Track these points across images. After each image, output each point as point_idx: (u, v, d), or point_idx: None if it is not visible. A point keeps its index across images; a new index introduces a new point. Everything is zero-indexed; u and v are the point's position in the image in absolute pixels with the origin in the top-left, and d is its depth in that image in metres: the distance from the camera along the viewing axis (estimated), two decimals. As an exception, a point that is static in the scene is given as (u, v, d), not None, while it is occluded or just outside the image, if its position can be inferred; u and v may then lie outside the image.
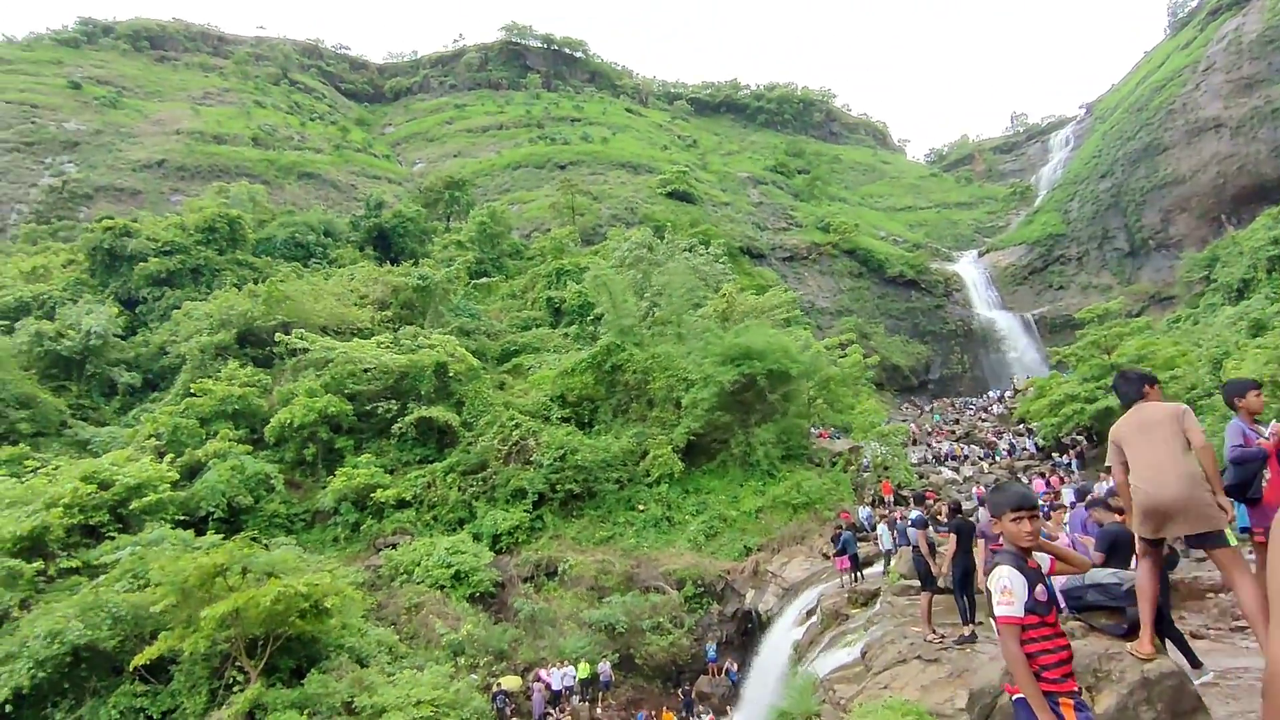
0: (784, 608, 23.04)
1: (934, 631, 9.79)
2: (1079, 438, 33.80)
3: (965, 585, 9.45)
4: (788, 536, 27.05)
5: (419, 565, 24.85)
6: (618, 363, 31.64)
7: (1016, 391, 53.11)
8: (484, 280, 43.57)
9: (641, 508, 28.46)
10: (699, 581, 25.52)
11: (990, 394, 60.05)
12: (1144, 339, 36.03)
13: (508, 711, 20.49)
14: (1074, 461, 32.10)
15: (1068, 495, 18.91)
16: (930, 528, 10.36)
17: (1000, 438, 40.86)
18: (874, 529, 24.10)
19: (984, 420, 49.48)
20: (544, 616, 23.85)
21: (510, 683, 21.16)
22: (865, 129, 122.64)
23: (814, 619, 17.08)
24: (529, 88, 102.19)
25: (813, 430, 36.72)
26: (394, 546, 26.24)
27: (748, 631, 24.65)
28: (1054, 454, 34.28)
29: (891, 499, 27.72)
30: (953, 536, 9.45)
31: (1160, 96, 69.98)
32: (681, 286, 36.19)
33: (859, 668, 10.00)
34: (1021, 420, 42.67)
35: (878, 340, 63.00)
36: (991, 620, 5.12)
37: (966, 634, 9.40)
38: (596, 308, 37.04)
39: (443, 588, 24.24)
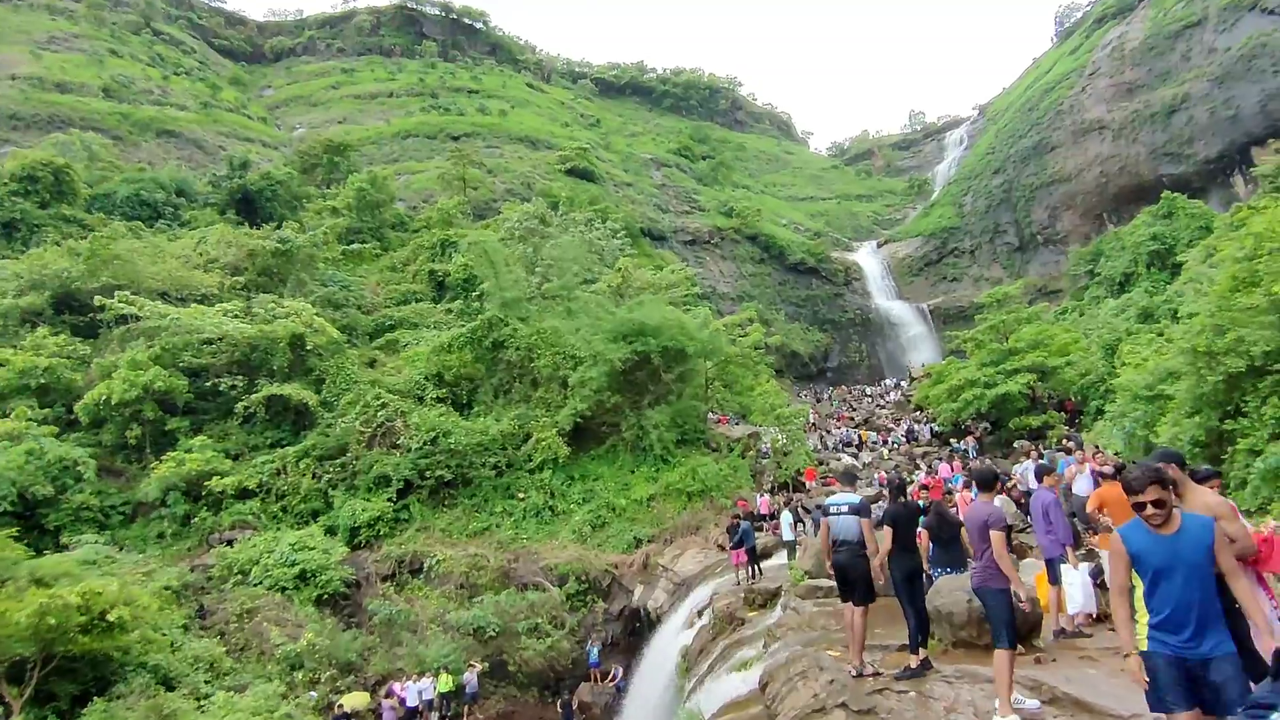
0: (675, 605, 20.90)
1: (863, 665, 7.30)
2: (978, 423, 33.31)
3: (913, 593, 7.12)
4: (681, 526, 25.00)
5: (257, 564, 21.36)
6: (500, 338, 28.74)
7: (913, 379, 53.29)
8: (355, 247, 39.46)
9: (521, 496, 25.77)
10: (583, 577, 23.10)
11: (887, 382, 60.37)
12: (1040, 326, 36.07)
13: (351, 735, 17.49)
14: (972, 447, 31.51)
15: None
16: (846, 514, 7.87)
17: (898, 424, 40.34)
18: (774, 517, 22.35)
19: (882, 407, 49.26)
20: (403, 620, 20.87)
21: (355, 700, 18.10)
22: (770, 119, 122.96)
23: (705, 620, 14.92)
24: (424, 56, 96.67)
25: (711, 415, 34.93)
26: (230, 543, 22.58)
27: (635, 631, 22.41)
28: (952, 440, 33.71)
29: (813, 485, 26.32)
30: (888, 530, 7.20)
31: (1049, 98, 72.23)
32: (573, 260, 33.56)
33: (756, 708, 7.69)
34: (919, 407, 42.40)
35: (778, 327, 62.10)
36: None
37: (914, 666, 6.82)
38: (483, 281, 33.92)
39: (285, 589, 20.87)
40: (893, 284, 72.18)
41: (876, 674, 7.17)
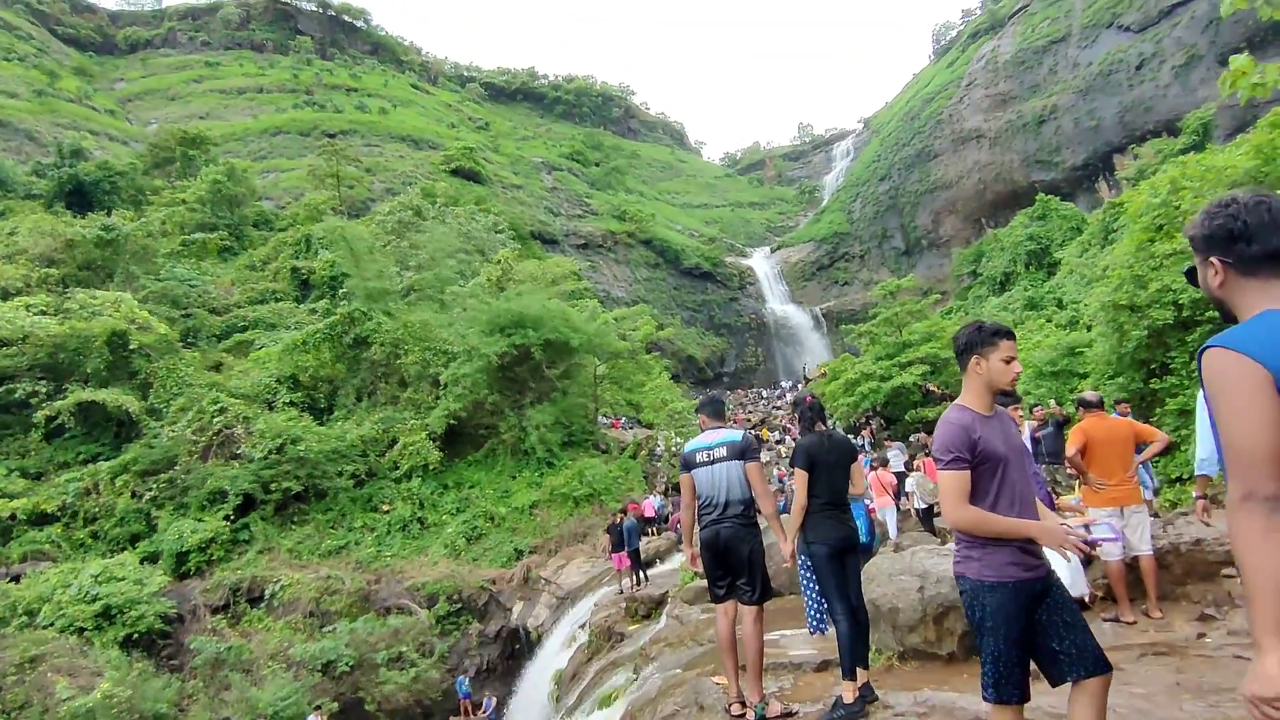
0: (557, 621, 18.63)
1: (763, 699, 4.83)
2: (872, 418, 32.61)
3: (844, 581, 4.77)
4: (567, 535, 22.73)
5: (49, 601, 17.61)
6: (363, 334, 25.72)
7: (807, 380, 53.00)
8: (198, 236, 35.21)
9: (386, 508, 22.85)
10: (455, 596, 20.42)
11: (783, 384, 60.10)
12: (932, 320, 35.99)
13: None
14: (867, 441, 30.71)
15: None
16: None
17: (795, 423, 39.51)
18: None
19: (778, 409, 48.61)
20: (234, 659, 17.61)
21: (163, 763, 14.85)
22: (664, 128, 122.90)
23: (583, 638, 12.72)
24: (299, 53, 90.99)
25: (604, 419, 32.90)
26: (17, 579, 18.67)
27: (515, 653, 19.94)
28: (849, 436, 32.88)
29: None
30: (802, 476, 4.93)
31: (930, 108, 74.59)
32: (448, 253, 30.86)
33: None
34: (814, 405, 41.68)
35: (674, 331, 60.99)
36: None
37: (849, 699, 4.44)
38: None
39: (83, 631, 17.22)
40: (786, 288, 72.44)
41: (788, 715, 4.85)
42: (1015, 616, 2.86)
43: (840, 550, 4.86)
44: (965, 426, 2.95)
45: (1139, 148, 52.35)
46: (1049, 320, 26.94)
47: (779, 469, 25.26)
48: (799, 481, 5.02)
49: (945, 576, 5.48)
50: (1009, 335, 3.03)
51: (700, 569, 5.28)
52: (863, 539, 6.62)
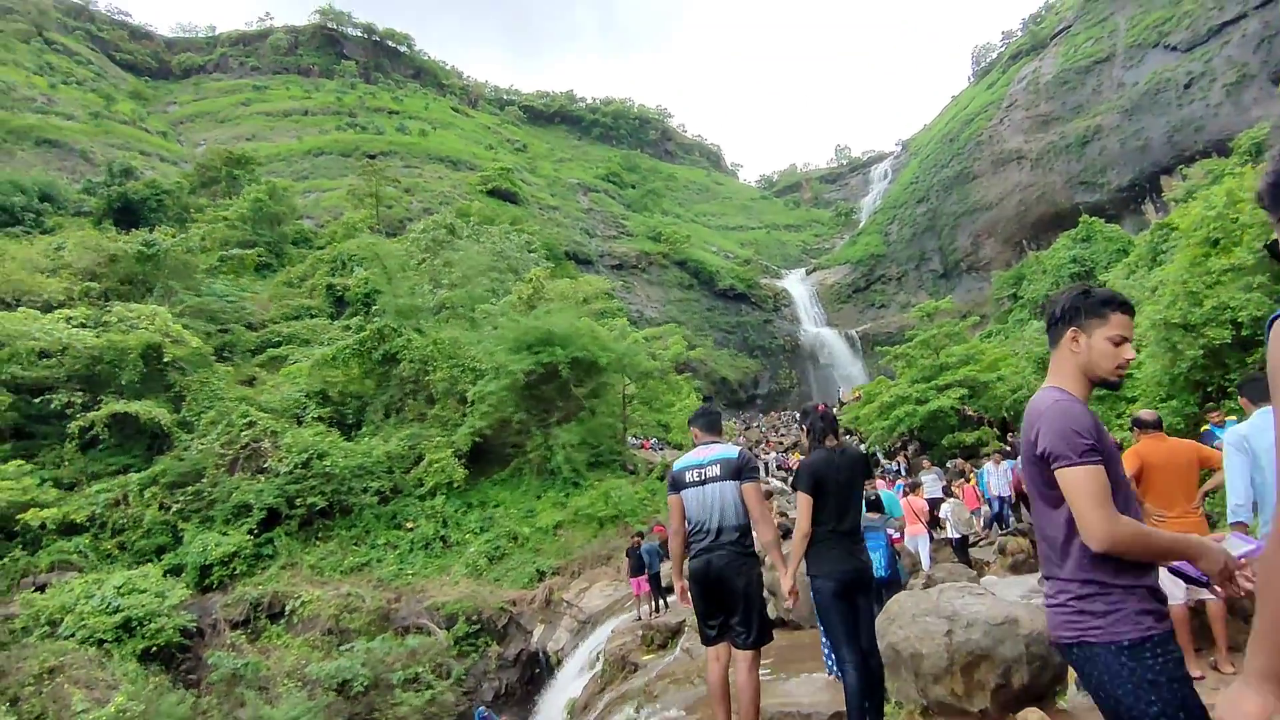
0: (576, 646, 18.17)
1: None
2: (909, 442, 31.72)
3: (855, 623, 4.25)
4: (591, 556, 22.25)
5: (71, 612, 17.66)
6: (392, 350, 25.73)
7: (842, 404, 52.00)
8: (235, 252, 35.82)
9: (410, 525, 22.65)
10: (475, 617, 20.06)
11: (817, 407, 59.07)
12: (970, 343, 35.06)
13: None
14: (902, 466, 29.84)
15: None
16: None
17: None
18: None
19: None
20: (250, 675, 17.43)
21: (173, 780, 14.67)
22: (700, 150, 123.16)
23: (598, 666, 12.26)
24: (344, 76, 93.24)
25: (633, 440, 32.51)
26: (43, 588, 18.79)
27: (534, 678, 19.49)
28: (883, 459, 32.00)
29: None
30: (805, 500, 4.38)
31: (970, 129, 73.63)
32: (481, 271, 30.89)
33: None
34: (849, 429, 40.82)
35: (707, 353, 60.52)
36: None
37: None
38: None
39: (102, 643, 17.20)
40: (821, 311, 71.59)
41: None
42: (1176, 679, 2.03)
43: (849, 586, 4.22)
44: (1087, 411, 2.22)
45: (1188, 168, 50.85)
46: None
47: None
48: (802, 505, 4.42)
49: (977, 619, 4.82)
50: (1125, 308, 2.29)
51: (690, 603, 4.64)
52: (879, 572, 6.01)
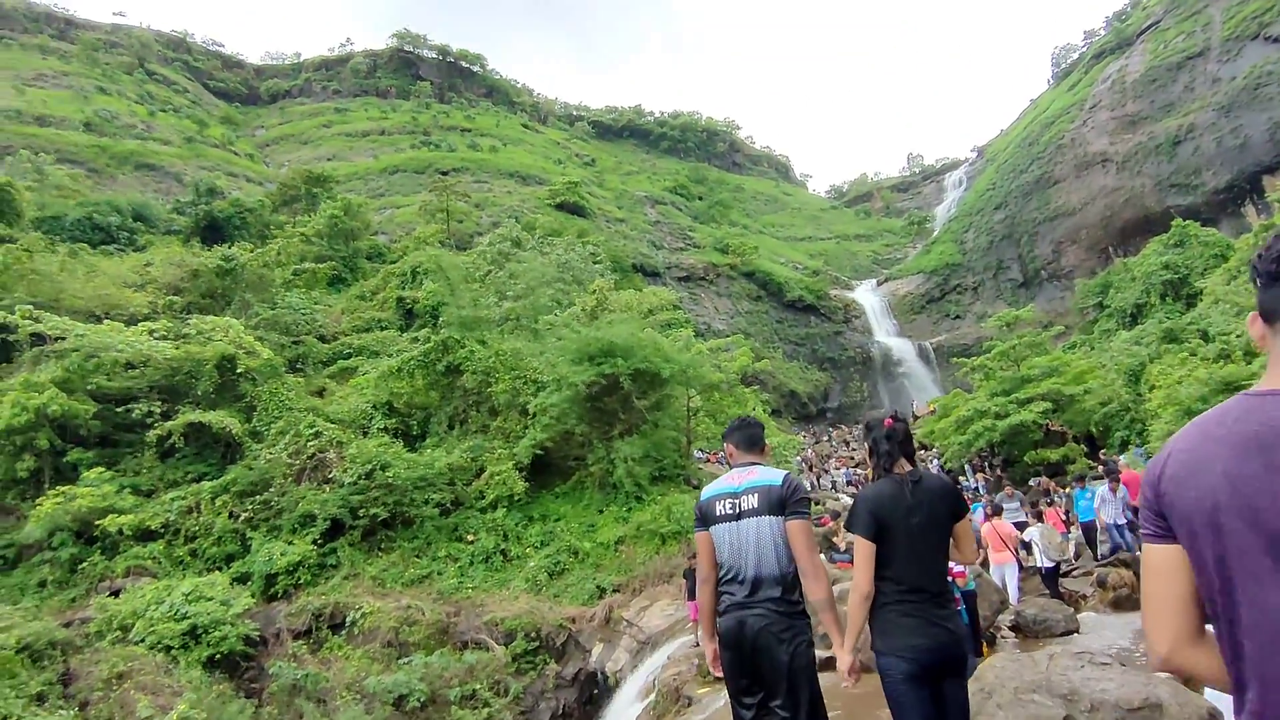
0: (635, 667, 17.56)
1: None
2: (989, 458, 30.12)
3: (924, 712, 3.22)
4: (653, 574, 21.62)
5: (142, 617, 18.06)
6: (455, 362, 25.79)
7: (916, 417, 50.13)
8: (308, 266, 36.80)
9: (471, 538, 22.50)
10: (534, 634, 19.66)
11: (891, 421, 57.18)
12: (1054, 354, 33.27)
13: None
14: (981, 485, 28.28)
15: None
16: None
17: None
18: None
19: (884, 447, 45.99)
20: (310, 686, 17.47)
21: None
22: (768, 161, 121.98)
23: (652, 696, 11.66)
24: (419, 97, 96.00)
25: (700, 454, 31.84)
26: (117, 593, 19.33)
27: (592, 698, 18.97)
28: (960, 477, 30.44)
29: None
30: (865, 546, 3.41)
31: (1050, 132, 70.63)
32: (545, 282, 30.84)
33: None
34: (924, 445, 39.19)
35: (775, 365, 59.33)
36: None
37: None
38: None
39: (170, 649, 17.52)
40: (894, 322, 69.50)
41: None
42: None
43: (930, 669, 3.22)
44: None
45: (1296, 167, 47.45)
46: (1193, 354, 24.02)
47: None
48: (860, 555, 3.44)
49: (1105, 701, 3.71)
50: None
51: (721, 673, 3.73)
52: None
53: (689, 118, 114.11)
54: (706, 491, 3.90)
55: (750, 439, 3.95)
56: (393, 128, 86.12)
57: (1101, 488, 13.86)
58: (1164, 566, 1.54)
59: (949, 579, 3.38)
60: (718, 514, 3.70)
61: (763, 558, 3.53)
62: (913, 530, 3.32)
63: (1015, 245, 67.31)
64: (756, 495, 3.62)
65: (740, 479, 3.75)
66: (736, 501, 3.66)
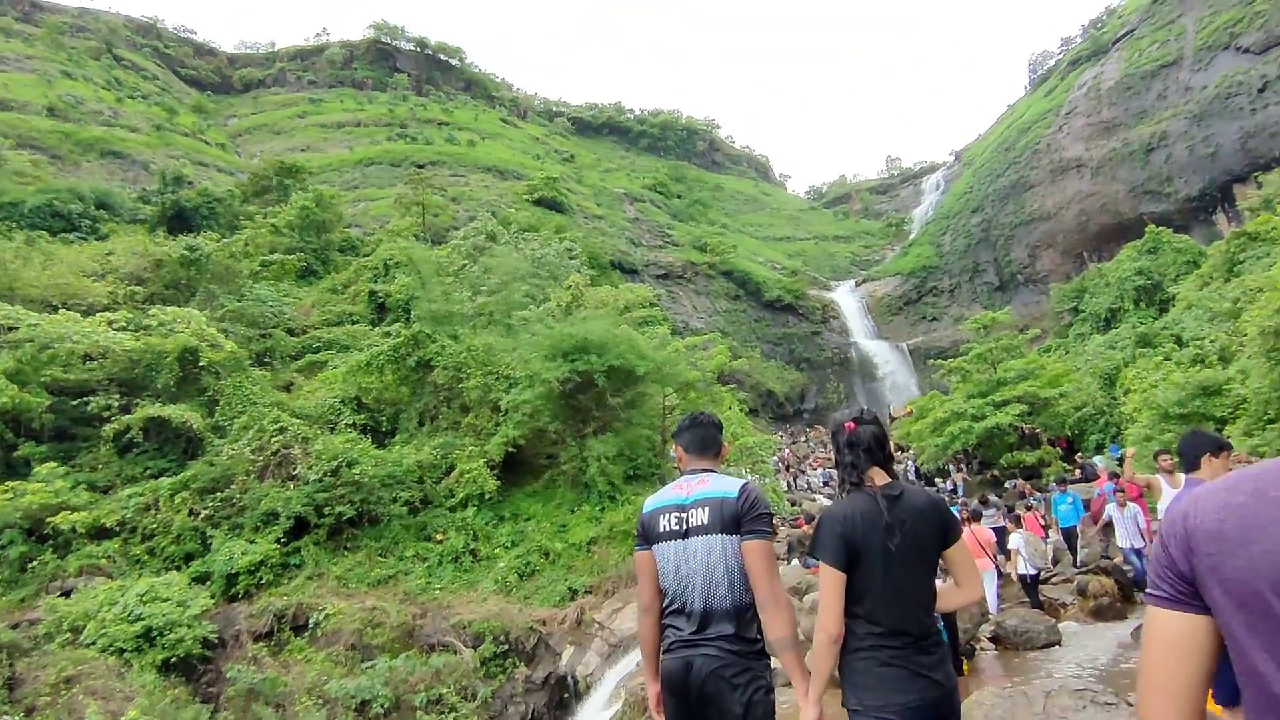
0: (606, 672, 17.21)
1: None
2: (965, 460, 30.11)
3: None
4: (626, 575, 21.18)
5: (94, 619, 17.35)
6: (426, 357, 25.24)
7: (893, 419, 50.23)
8: (275, 257, 35.94)
9: (439, 537, 21.98)
10: (503, 636, 19.19)
11: (867, 423, 57.36)
12: (1029, 357, 33.39)
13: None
14: (959, 486, 28.26)
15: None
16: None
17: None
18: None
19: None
20: (268, 691, 16.87)
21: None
22: (748, 161, 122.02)
23: (619, 704, 11.27)
24: (396, 89, 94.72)
25: (674, 454, 31.44)
26: (68, 593, 18.58)
27: (562, 703, 18.55)
28: (936, 479, 30.43)
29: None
30: (832, 576, 2.72)
31: (1026, 137, 71.21)
32: (519, 277, 30.33)
33: None
34: (900, 446, 39.18)
35: (753, 364, 59.21)
36: None
37: None
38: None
39: (122, 652, 16.84)
40: (871, 323, 69.72)
41: None
42: None
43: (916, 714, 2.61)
44: None
45: (1265, 175, 48.12)
46: (1167, 358, 24.11)
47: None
48: (825, 588, 2.79)
49: None
50: None
51: None
52: None
53: (669, 116, 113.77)
54: (650, 502, 3.32)
55: (703, 440, 3.42)
56: (368, 119, 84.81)
57: (1109, 506, 12.35)
58: (1179, 640, 1.26)
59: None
60: (661, 530, 3.13)
61: (713, 585, 2.97)
62: (891, 557, 2.71)
63: (991, 249, 67.78)
64: (707, 509, 3.05)
65: (689, 489, 3.19)
66: (684, 516, 3.09)
